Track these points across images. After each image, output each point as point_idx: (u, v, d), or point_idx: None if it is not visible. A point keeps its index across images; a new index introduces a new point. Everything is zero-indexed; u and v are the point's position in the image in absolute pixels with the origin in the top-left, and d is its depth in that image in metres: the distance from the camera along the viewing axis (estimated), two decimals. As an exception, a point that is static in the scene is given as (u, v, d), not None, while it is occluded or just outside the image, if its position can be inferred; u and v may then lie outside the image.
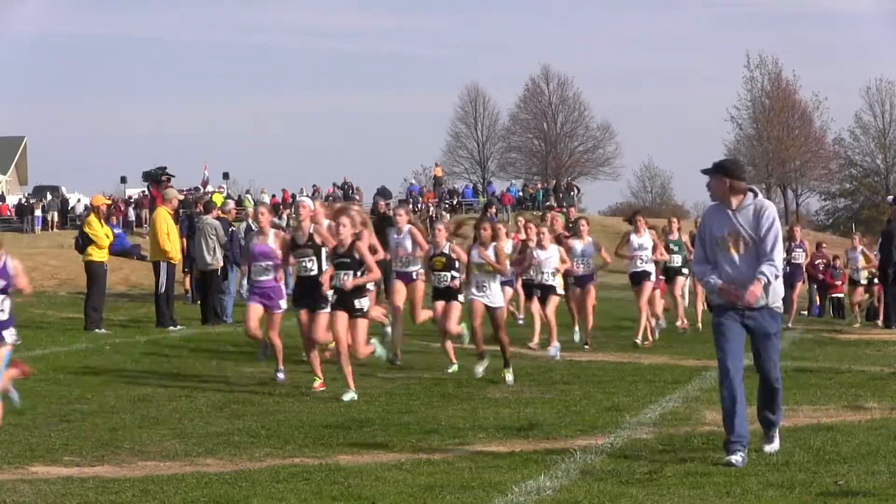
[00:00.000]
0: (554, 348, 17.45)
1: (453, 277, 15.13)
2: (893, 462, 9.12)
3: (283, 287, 14.91)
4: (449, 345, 15.48)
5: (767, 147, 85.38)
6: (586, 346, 18.78)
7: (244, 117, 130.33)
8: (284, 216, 47.33)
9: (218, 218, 24.02)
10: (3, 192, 77.98)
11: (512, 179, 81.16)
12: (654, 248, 19.56)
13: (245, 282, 23.03)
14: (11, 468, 9.29)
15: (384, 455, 9.80)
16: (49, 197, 70.59)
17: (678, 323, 21.76)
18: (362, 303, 13.13)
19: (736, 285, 9.13)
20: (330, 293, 13.40)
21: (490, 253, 14.36)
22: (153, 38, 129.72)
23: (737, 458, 8.99)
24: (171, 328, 21.18)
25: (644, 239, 19.41)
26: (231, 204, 35.17)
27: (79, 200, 69.14)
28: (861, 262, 27.82)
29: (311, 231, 13.93)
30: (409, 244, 16.42)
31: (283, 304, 14.82)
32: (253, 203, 53.60)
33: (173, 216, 22.83)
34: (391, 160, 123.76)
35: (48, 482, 8.78)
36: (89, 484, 8.68)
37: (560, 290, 18.05)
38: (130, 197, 67.41)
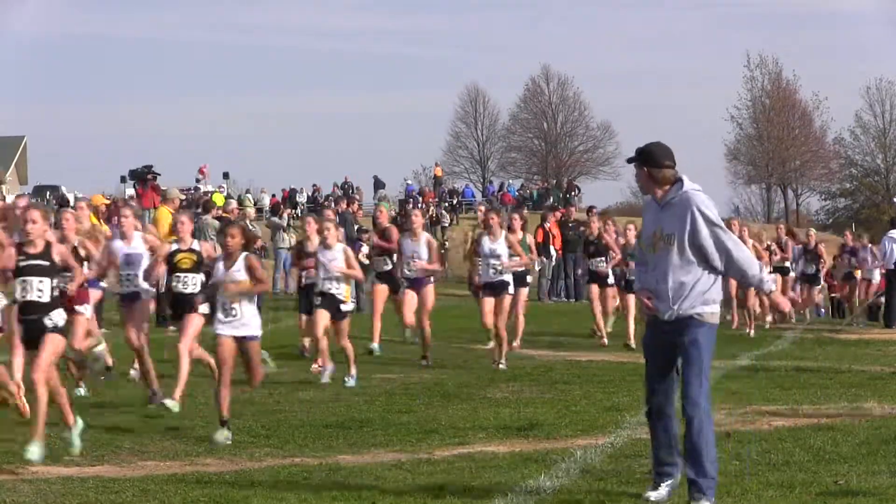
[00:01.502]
0: (327, 369, 14.48)
1: (202, 282, 12.35)
2: (893, 462, 9.13)
3: None
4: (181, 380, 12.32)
5: (767, 147, 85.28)
6: (424, 362, 16.48)
7: (244, 117, 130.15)
8: (285, 216, 47.32)
9: (218, 218, 24.01)
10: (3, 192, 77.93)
11: (510, 179, 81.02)
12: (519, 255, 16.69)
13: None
14: (11, 468, 9.28)
15: (384, 455, 9.80)
16: (49, 197, 70.64)
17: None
18: (53, 317, 9.92)
19: (649, 292, 7.91)
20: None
21: (238, 267, 10.80)
22: (153, 38, 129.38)
23: (660, 493, 7.91)
24: (171, 328, 21.15)
25: (498, 244, 16.26)
26: (234, 203, 35.20)
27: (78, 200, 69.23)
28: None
29: None
30: (144, 254, 13.00)
31: None
32: (253, 202, 53.64)
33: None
34: (391, 160, 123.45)
35: (48, 482, 8.78)
36: (89, 484, 8.68)
37: (347, 307, 14.60)
38: (131, 197, 67.46)
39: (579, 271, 27.36)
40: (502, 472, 8.96)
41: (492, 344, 16.99)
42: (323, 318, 14.37)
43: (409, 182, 76.07)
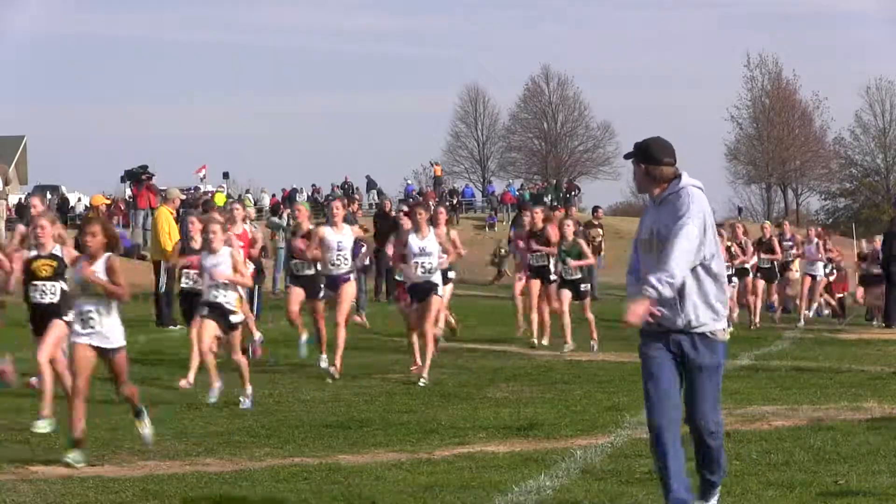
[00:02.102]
0: (215, 390, 12.91)
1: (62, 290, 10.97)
2: (893, 462, 9.13)
3: None
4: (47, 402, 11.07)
5: (767, 147, 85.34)
6: (332, 369, 14.92)
7: (244, 117, 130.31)
8: (284, 216, 47.29)
9: (218, 217, 23.99)
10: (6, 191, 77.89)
11: (510, 179, 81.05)
12: (447, 252, 15.60)
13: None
14: (11, 468, 9.29)
15: (384, 455, 9.80)
16: (49, 196, 70.61)
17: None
18: None
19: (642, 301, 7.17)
20: None
21: (98, 267, 9.72)
22: (153, 38, 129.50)
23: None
24: (172, 327, 21.18)
25: (428, 241, 15.08)
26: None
27: (79, 200, 69.20)
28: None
29: None
30: None
31: None
32: (253, 202, 53.61)
33: (174, 216, 22.89)
34: (391, 160, 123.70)
35: (48, 482, 8.78)
36: (89, 484, 8.68)
37: (237, 318, 12.95)
38: (130, 196, 67.46)
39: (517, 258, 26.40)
40: (502, 471, 8.96)
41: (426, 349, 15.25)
42: (209, 330, 12.82)
43: (409, 182, 76.08)
